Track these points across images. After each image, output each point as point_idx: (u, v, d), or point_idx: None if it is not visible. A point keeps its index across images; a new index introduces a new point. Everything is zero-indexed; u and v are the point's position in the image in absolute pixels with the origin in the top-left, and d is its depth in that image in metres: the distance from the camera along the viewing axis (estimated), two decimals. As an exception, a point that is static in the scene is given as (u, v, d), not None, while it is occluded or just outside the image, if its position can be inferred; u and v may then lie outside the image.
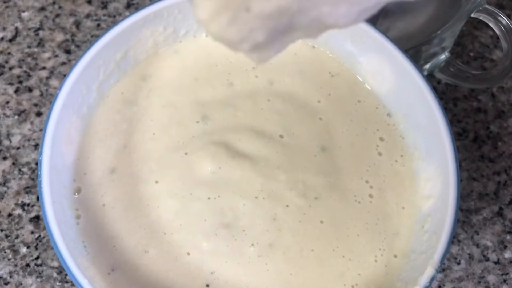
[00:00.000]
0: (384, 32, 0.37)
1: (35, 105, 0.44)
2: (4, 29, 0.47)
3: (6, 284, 0.38)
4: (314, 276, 0.34)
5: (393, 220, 0.35)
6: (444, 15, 0.42)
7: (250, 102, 0.38)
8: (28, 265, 0.39)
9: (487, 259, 0.40)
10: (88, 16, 0.47)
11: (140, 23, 0.37)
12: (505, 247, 0.41)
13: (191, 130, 0.37)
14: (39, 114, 0.43)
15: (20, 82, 0.45)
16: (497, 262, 0.40)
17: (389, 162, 0.37)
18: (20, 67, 0.45)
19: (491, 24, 0.41)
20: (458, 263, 0.40)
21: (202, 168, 0.36)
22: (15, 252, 0.39)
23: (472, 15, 0.41)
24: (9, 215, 0.40)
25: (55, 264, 0.39)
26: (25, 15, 0.47)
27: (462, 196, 0.42)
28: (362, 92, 0.39)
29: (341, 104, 0.39)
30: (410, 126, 0.37)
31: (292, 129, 0.37)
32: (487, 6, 0.40)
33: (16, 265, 0.39)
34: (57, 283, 0.38)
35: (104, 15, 0.48)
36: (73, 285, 0.38)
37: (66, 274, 0.38)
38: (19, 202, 0.40)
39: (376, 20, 0.42)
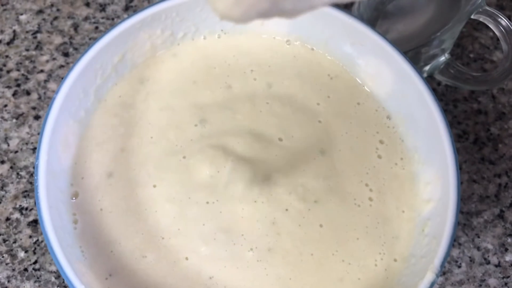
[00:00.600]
0: (384, 34, 0.37)
1: (33, 108, 0.43)
2: (1, 32, 0.47)
3: (4, 289, 0.38)
4: (313, 281, 0.33)
5: (393, 223, 0.35)
6: (443, 16, 0.42)
7: (249, 105, 0.38)
8: (26, 269, 0.38)
9: (488, 262, 0.40)
10: (86, 18, 0.47)
11: (137, 26, 0.37)
12: (506, 250, 0.41)
13: (189, 134, 0.37)
14: (37, 117, 0.43)
15: (18, 85, 0.44)
16: (498, 265, 0.40)
17: (388, 165, 0.37)
18: (18, 70, 0.45)
19: (491, 26, 0.40)
20: (459, 266, 0.40)
21: (200, 172, 0.35)
22: (13, 256, 0.39)
23: (472, 17, 0.40)
24: (7, 219, 0.40)
25: (53, 268, 0.38)
26: (23, 18, 0.47)
27: (463, 198, 0.42)
28: (361, 95, 0.39)
29: (340, 107, 0.38)
30: (410, 128, 0.37)
31: (291, 132, 0.37)
32: (487, 8, 0.40)
33: (14, 270, 0.38)
34: (55, 288, 0.38)
35: (102, 18, 0.47)
36: (71, 289, 0.38)
37: (64, 279, 0.38)
38: (17, 206, 0.40)
39: (376, 22, 0.42)
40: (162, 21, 0.37)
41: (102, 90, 0.37)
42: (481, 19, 0.41)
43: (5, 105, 0.44)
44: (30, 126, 0.43)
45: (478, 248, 0.41)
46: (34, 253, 0.39)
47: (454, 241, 0.40)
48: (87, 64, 0.35)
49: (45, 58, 0.46)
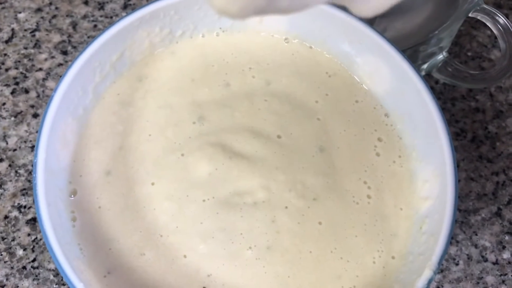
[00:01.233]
0: (382, 32, 0.37)
1: (32, 106, 0.43)
2: (0, 30, 0.46)
3: (2, 287, 0.38)
4: (311, 278, 0.33)
5: (391, 221, 0.35)
6: (441, 15, 0.42)
7: (247, 103, 0.38)
8: (24, 267, 0.38)
9: (486, 260, 0.40)
10: (85, 17, 0.47)
11: (136, 24, 0.37)
12: (504, 247, 0.41)
13: (187, 131, 0.37)
14: (35, 115, 0.43)
15: (17, 83, 0.44)
16: (495, 263, 0.40)
17: (386, 162, 0.37)
18: (17, 68, 0.45)
19: (488, 24, 0.40)
20: (457, 264, 0.40)
21: (198, 169, 0.35)
22: (12, 254, 0.39)
23: (470, 15, 0.40)
24: (6, 217, 0.40)
25: (52, 266, 0.39)
26: (21, 16, 0.47)
27: (461, 196, 0.42)
28: (359, 93, 0.39)
29: (339, 105, 0.38)
30: (408, 126, 0.37)
31: (289, 129, 0.37)
32: (485, 6, 0.40)
33: (12, 268, 0.38)
34: (54, 286, 0.38)
35: (101, 16, 0.47)
36: None
37: (63, 277, 0.38)
38: (16, 204, 0.40)
39: (374, 20, 0.42)
40: (160, 19, 0.37)
41: (100, 88, 0.37)
42: (479, 17, 0.41)
43: (4, 103, 0.44)
44: (28, 124, 0.43)
45: (476, 246, 0.41)
46: (33, 251, 0.39)
47: (452, 239, 0.41)
48: (85, 62, 0.35)
49: (43, 56, 0.46)
